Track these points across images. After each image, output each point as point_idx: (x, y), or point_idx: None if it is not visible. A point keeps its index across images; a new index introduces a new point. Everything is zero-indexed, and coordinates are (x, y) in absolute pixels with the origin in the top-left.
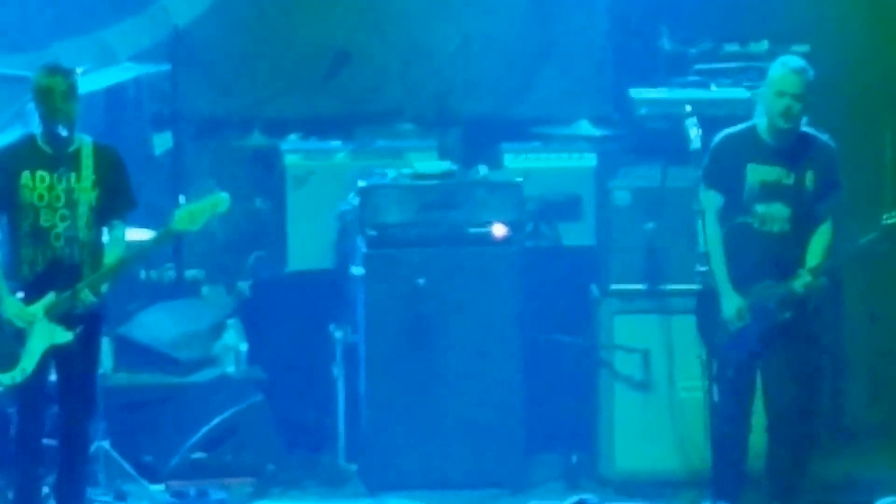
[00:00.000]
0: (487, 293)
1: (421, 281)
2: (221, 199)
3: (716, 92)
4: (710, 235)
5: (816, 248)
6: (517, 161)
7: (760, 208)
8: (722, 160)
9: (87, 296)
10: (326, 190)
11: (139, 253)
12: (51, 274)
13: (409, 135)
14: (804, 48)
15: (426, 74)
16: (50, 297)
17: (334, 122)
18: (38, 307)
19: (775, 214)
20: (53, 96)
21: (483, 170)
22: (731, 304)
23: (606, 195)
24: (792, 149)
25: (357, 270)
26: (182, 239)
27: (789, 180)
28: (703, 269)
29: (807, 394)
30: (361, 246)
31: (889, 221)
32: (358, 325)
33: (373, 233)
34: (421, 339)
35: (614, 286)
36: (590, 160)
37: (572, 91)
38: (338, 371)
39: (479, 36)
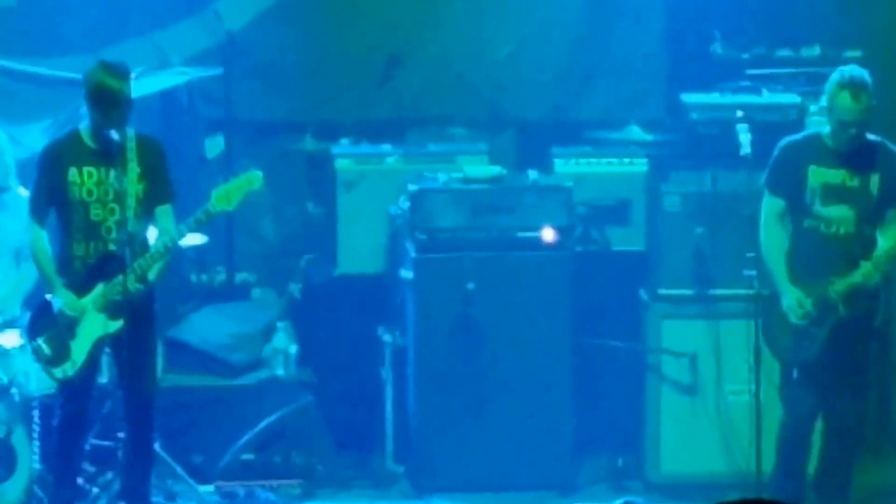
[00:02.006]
0: (537, 297)
1: (470, 285)
2: (255, 177)
3: (767, 97)
4: (769, 237)
5: (882, 244)
6: (568, 166)
7: (825, 211)
8: (783, 164)
9: (132, 284)
10: (377, 194)
11: (181, 238)
12: (101, 267)
13: (460, 139)
14: (857, 53)
15: (478, 79)
16: (99, 288)
17: (386, 126)
18: (88, 299)
19: (840, 217)
20: (115, 102)
21: (533, 174)
22: (791, 296)
23: (657, 200)
24: (856, 153)
25: (407, 274)
26: (233, 241)
27: (854, 183)
28: (751, 273)
29: (863, 396)
30: (411, 250)
31: None
32: (407, 329)
33: (423, 237)
34: (470, 343)
35: (663, 291)
36: (640, 165)
37: (624, 96)
38: (386, 374)
39: (532, 41)
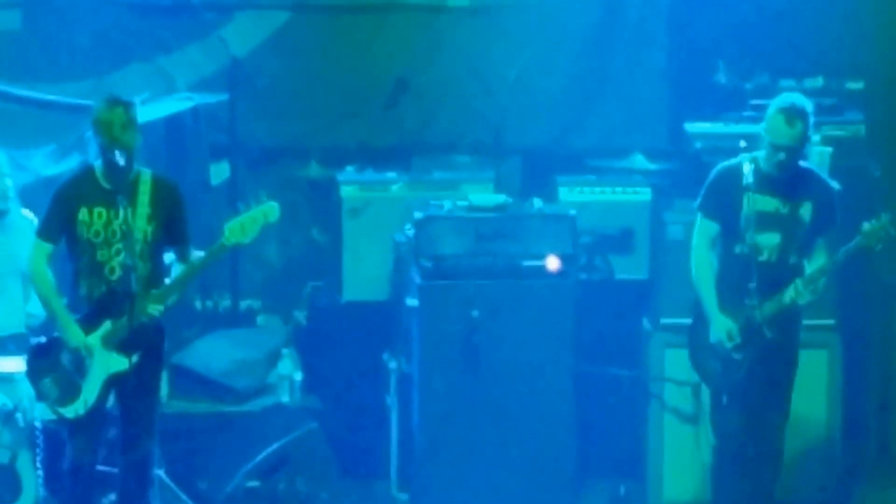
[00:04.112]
0: (541, 325)
1: (475, 312)
2: (271, 209)
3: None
4: (700, 262)
5: (809, 267)
6: (572, 194)
7: (757, 237)
8: (719, 190)
9: (154, 308)
10: (382, 221)
11: (194, 269)
12: (106, 304)
13: (465, 166)
14: (859, 85)
15: (483, 106)
16: (106, 325)
17: (391, 153)
18: (95, 337)
19: (772, 244)
20: (113, 127)
21: (538, 202)
22: (721, 326)
23: (660, 228)
24: (790, 180)
25: (412, 301)
26: (238, 267)
27: (785, 210)
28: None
29: (786, 419)
30: (416, 277)
31: (867, 228)
32: (412, 356)
33: (428, 264)
34: (474, 369)
35: (666, 320)
36: (644, 194)
37: (628, 124)
38: (391, 401)
39: (536, 69)
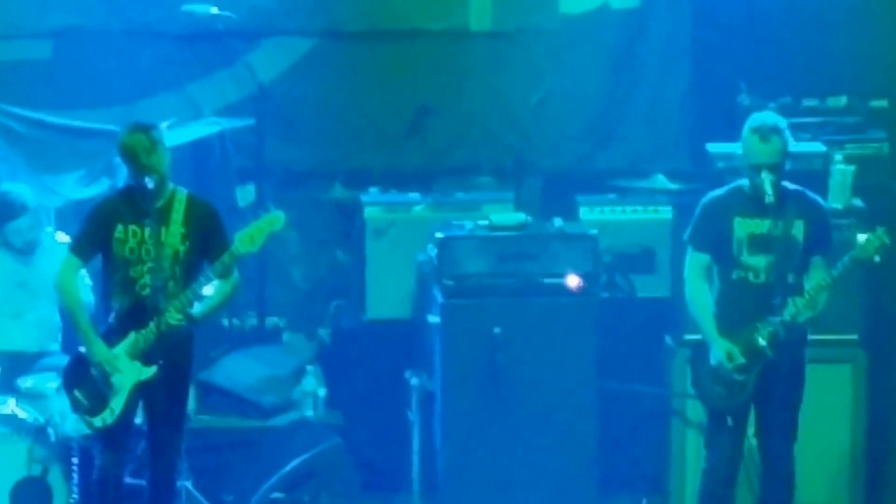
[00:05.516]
0: (562, 343)
1: (497, 330)
2: (277, 218)
3: (793, 146)
4: (695, 292)
5: (808, 286)
6: (593, 213)
7: (752, 260)
8: (708, 219)
9: (172, 317)
10: (405, 241)
11: (209, 279)
12: (133, 316)
13: (487, 187)
14: (882, 103)
15: (505, 129)
16: (131, 337)
17: (414, 175)
18: (121, 349)
19: (768, 265)
20: (137, 153)
21: (558, 222)
22: (721, 348)
23: (681, 247)
24: (778, 201)
25: (434, 319)
26: (264, 287)
27: (778, 231)
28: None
29: (795, 440)
30: (438, 296)
31: (862, 241)
32: (434, 373)
33: (450, 283)
34: (496, 386)
35: (688, 337)
36: (665, 213)
37: (649, 145)
38: (413, 417)
39: (558, 92)
